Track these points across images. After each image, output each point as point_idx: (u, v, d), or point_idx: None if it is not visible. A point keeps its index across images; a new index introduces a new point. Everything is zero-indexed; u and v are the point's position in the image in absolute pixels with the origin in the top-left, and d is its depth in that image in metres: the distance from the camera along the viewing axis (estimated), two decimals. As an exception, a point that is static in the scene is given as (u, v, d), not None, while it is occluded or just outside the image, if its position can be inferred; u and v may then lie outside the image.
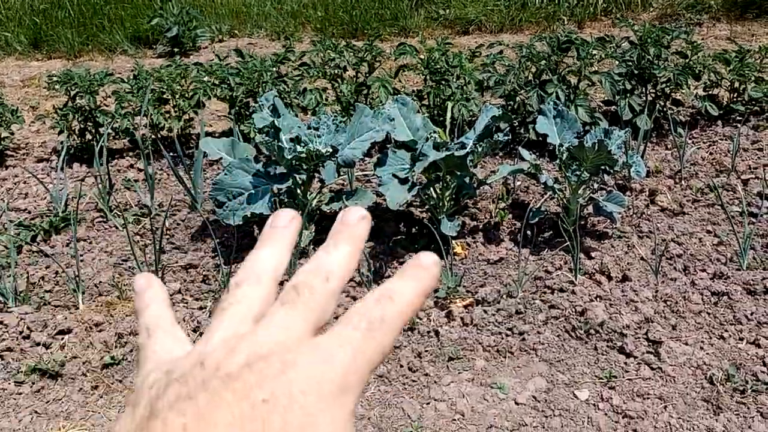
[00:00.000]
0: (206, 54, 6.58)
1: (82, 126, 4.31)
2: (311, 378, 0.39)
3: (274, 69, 4.27)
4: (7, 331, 2.76)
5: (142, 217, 3.69)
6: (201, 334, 2.73)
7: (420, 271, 0.45)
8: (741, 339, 2.54)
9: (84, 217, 3.69)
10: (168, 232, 3.52)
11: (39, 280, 3.14)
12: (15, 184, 4.12)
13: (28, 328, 2.77)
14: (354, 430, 0.40)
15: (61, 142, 4.17)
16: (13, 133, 4.59)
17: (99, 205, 3.74)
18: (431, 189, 3.26)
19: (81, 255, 3.34)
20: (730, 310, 2.67)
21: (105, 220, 3.67)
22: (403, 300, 0.43)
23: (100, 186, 3.70)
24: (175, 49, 6.56)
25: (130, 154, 4.40)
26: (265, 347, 0.41)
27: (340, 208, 3.48)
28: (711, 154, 4.00)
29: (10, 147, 4.61)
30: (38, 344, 2.70)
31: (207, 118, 5.04)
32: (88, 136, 4.37)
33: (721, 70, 4.37)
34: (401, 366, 2.54)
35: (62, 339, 2.72)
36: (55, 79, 4.24)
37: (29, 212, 3.77)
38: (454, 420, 2.30)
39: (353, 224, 0.47)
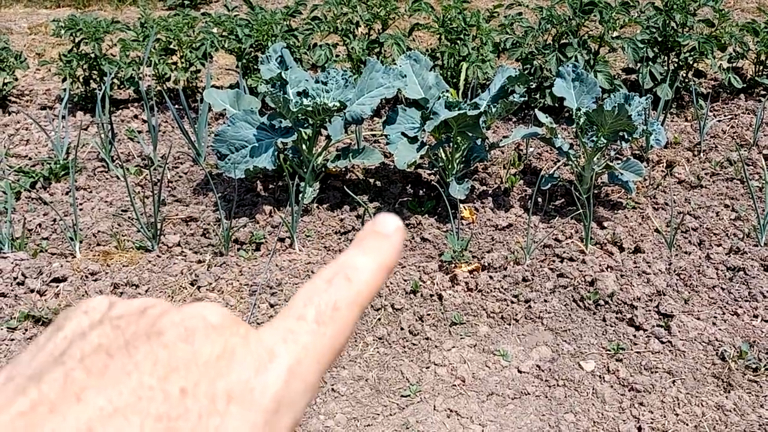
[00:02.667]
0: (217, 7, 6.43)
1: (86, 74, 4.21)
2: (244, 379, 0.30)
3: (285, 22, 4.13)
4: (2, 277, 2.70)
5: (144, 168, 3.61)
6: (198, 288, 2.67)
7: (382, 241, 0.36)
8: (755, 316, 2.45)
9: (85, 166, 3.61)
10: (170, 184, 3.44)
11: (36, 227, 3.07)
12: (17, 130, 4.04)
13: (22, 274, 2.71)
14: None
15: (65, 89, 4.07)
16: (17, 79, 4.49)
17: (101, 155, 3.66)
18: (441, 150, 3.16)
19: (80, 204, 3.27)
20: (746, 287, 2.57)
21: (106, 169, 3.59)
22: (362, 279, 0.35)
23: (102, 135, 3.61)
24: (186, 1, 6.41)
25: (135, 104, 4.30)
26: (217, 320, 0.32)
27: (346, 166, 3.38)
28: (732, 127, 3.86)
29: (13, 93, 4.52)
30: (32, 291, 2.64)
31: (215, 72, 4.92)
32: (93, 85, 4.27)
33: (748, 41, 4.20)
34: (402, 329, 2.47)
35: (57, 287, 2.66)
36: (60, 24, 4.13)
37: (30, 159, 3.69)
38: (455, 385, 2.23)
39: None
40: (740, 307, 2.49)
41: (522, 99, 2.95)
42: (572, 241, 2.91)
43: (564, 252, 2.81)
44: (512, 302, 2.57)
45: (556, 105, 3.98)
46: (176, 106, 4.08)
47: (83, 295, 2.62)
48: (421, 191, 3.31)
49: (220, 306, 0.34)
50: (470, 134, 3.00)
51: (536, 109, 3.22)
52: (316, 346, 0.32)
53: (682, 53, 4.10)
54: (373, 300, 0.33)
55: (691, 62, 4.12)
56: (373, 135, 3.90)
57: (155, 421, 0.28)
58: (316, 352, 0.32)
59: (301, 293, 0.34)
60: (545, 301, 2.56)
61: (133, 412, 0.27)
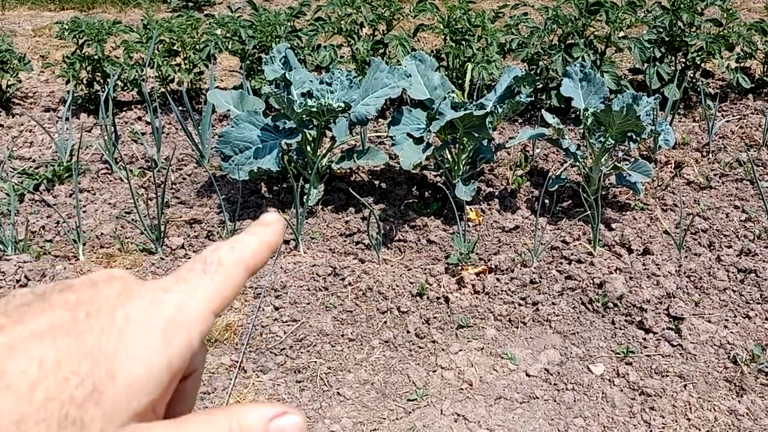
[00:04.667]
0: (221, 9, 6.42)
1: (89, 76, 4.19)
2: (141, 307, 0.36)
3: (289, 23, 4.11)
4: (5, 279, 2.68)
5: (148, 170, 3.58)
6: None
7: (262, 227, 0.43)
8: (767, 319, 2.41)
9: (89, 168, 3.59)
10: (174, 186, 3.41)
11: (39, 230, 3.05)
12: (20, 132, 4.02)
13: (25, 276, 2.69)
14: (174, 374, 0.35)
15: (68, 91, 4.06)
16: (20, 81, 4.48)
17: (104, 157, 3.64)
18: (446, 151, 3.13)
19: (84, 206, 3.25)
20: (757, 289, 2.53)
21: (110, 171, 3.57)
22: (243, 248, 0.41)
23: (105, 137, 3.59)
24: (190, 3, 6.40)
25: (138, 106, 4.28)
26: (119, 274, 0.39)
27: (351, 168, 3.36)
28: (741, 128, 3.82)
29: (17, 95, 4.51)
30: (35, 294, 2.61)
31: (218, 73, 4.90)
32: (96, 87, 4.25)
33: (756, 40, 4.16)
34: (408, 332, 2.43)
35: (60, 290, 2.64)
36: (63, 26, 4.11)
37: (33, 161, 3.68)
38: (462, 389, 2.20)
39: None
40: (752, 309, 2.45)
41: (529, 99, 2.92)
42: (580, 243, 2.88)
43: (572, 254, 2.78)
44: (520, 305, 2.54)
45: (563, 106, 3.94)
46: (180, 108, 4.06)
47: (86, 298, 2.59)
48: (426, 193, 3.28)
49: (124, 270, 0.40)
50: (476, 135, 2.97)
51: (543, 110, 3.18)
52: (204, 287, 0.38)
53: (690, 53, 4.07)
54: (258, 269, 0.39)
55: (698, 62, 4.08)
56: (378, 136, 3.87)
57: (64, 336, 0.33)
58: (205, 291, 0.38)
59: (190, 260, 0.40)
60: (553, 303, 2.52)
61: (46, 333, 0.33)
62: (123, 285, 0.37)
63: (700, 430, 2.01)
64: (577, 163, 3.13)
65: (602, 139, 2.93)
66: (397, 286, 2.61)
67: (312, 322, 2.46)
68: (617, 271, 2.64)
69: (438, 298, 2.57)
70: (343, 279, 2.66)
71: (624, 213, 3.09)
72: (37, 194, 3.33)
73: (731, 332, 2.35)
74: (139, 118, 4.17)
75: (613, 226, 3.00)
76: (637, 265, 2.67)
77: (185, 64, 4.16)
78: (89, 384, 0.32)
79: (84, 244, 2.91)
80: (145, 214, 3.06)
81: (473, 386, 2.21)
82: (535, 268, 2.70)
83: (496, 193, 3.26)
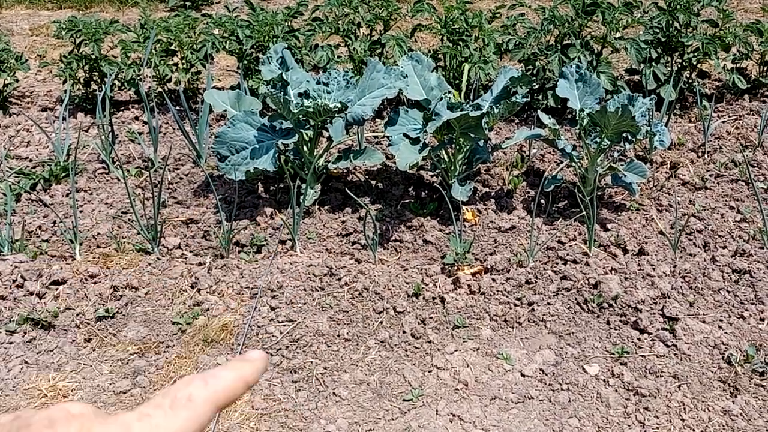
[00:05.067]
0: (218, 8, 6.42)
1: (87, 75, 4.20)
2: None
3: (286, 23, 4.11)
4: (1, 279, 2.68)
5: (145, 170, 3.58)
6: (198, 290, 2.64)
7: (242, 363, 0.43)
8: (762, 319, 2.42)
9: (85, 167, 3.59)
10: (171, 186, 3.42)
11: (36, 230, 3.05)
12: (17, 131, 4.02)
13: (22, 276, 2.69)
14: None
15: (65, 91, 4.06)
16: (17, 81, 4.47)
17: (101, 156, 3.64)
18: (443, 151, 3.13)
19: (80, 206, 3.25)
20: (752, 289, 2.55)
21: (107, 171, 3.57)
22: (216, 384, 0.41)
23: (102, 137, 3.59)
24: (187, 3, 6.40)
25: (136, 106, 4.28)
26: (77, 411, 0.38)
27: (348, 168, 3.36)
28: (737, 128, 3.83)
29: (14, 94, 4.51)
30: (32, 294, 2.62)
31: (216, 73, 4.91)
32: (93, 86, 4.25)
33: (752, 41, 4.17)
34: (404, 332, 2.44)
35: (56, 290, 2.64)
36: (61, 25, 4.11)
37: (30, 160, 3.68)
38: (457, 389, 2.21)
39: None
40: (746, 310, 2.46)
41: (524, 100, 2.93)
42: (575, 244, 2.89)
43: (567, 254, 2.78)
44: (515, 305, 2.55)
45: (559, 106, 3.95)
46: (177, 108, 4.06)
47: (83, 298, 2.60)
48: (423, 193, 3.29)
49: (84, 403, 0.39)
50: (473, 135, 2.98)
51: (539, 111, 3.19)
52: (167, 425, 0.38)
53: (686, 54, 4.08)
54: (229, 404, 0.42)
55: (694, 63, 4.10)
56: (375, 136, 3.88)
57: None
58: (167, 430, 0.38)
59: (161, 391, 0.39)
60: (548, 304, 2.53)
61: None
62: (81, 424, 0.37)
63: (694, 430, 2.02)
64: (573, 164, 3.14)
65: (598, 139, 2.94)
66: (393, 286, 2.62)
67: (308, 323, 2.47)
68: (612, 272, 2.65)
69: (434, 298, 2.58)
70: (339, 279, 2.66)
71: (619, 213, 3.10)
72: (33, 194, 3.34)
73: (725, 333, 2.36)
74: (136, 118, 4.17)
75: (609, 226, 3.00)
76: (632, 265, 2.68)
77: (182, 63, 4.16)
78: None
79: (81, 244, 2.92)
80: (142, 214, 3.06)
81: (469, 386, 2.22)
82: (530, 268, 2.71)
83: (493, 194, 3.27)
